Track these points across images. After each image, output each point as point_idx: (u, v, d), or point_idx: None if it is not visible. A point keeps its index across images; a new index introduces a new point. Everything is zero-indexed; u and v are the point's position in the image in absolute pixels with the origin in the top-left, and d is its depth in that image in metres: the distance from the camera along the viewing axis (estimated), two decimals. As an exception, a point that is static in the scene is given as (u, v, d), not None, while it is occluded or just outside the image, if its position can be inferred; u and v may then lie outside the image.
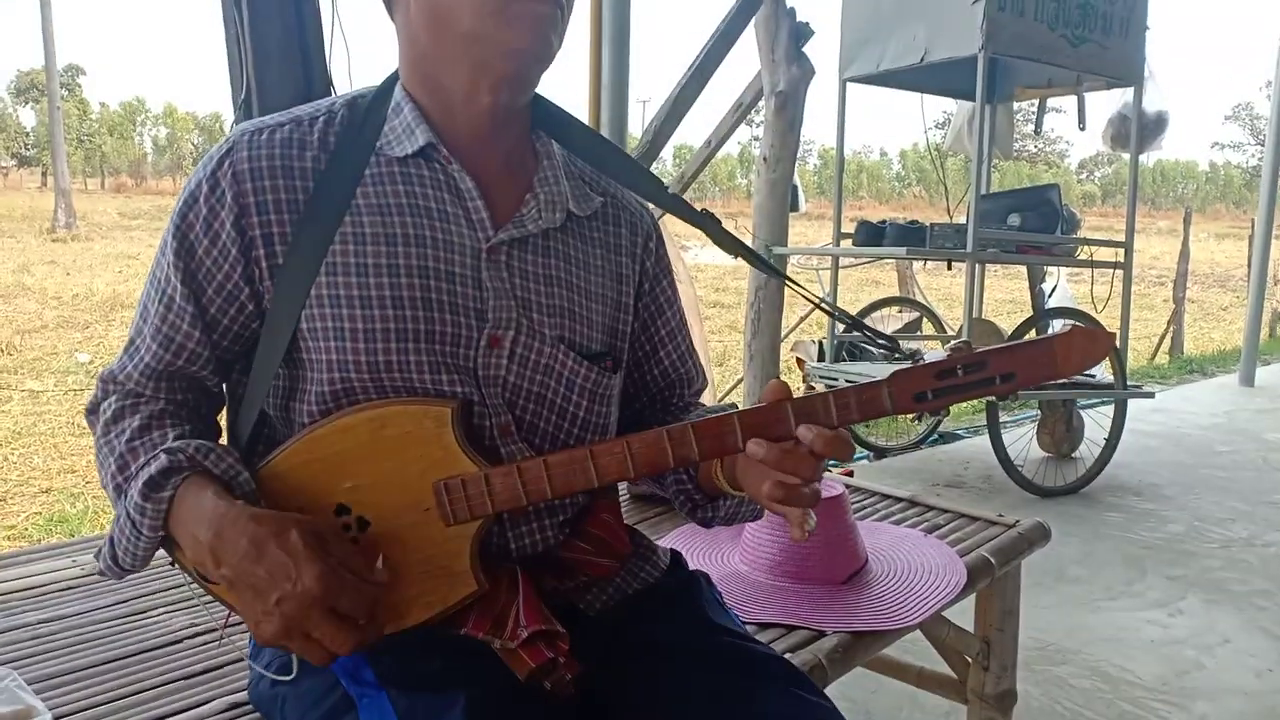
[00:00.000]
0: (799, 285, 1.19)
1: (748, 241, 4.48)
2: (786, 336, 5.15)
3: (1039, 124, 5.45)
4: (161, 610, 1.42)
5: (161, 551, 0.92)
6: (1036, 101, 5.15)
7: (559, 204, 1.03)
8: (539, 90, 1.06)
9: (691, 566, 1.20)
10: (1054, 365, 0.86)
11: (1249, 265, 9.21)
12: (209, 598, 0.95)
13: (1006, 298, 12.87)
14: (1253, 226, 8.77)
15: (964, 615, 1.79)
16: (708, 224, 1.10)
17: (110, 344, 8.46)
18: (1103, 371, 4.69)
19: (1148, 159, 5.60)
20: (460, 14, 0.93)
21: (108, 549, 0.94)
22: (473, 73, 0.96)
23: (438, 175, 0.99)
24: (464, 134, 1.00)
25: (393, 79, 1.03)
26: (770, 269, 1.22)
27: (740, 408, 0.92)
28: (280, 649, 0.88)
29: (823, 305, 1.18)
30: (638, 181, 1.12)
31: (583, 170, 1.11)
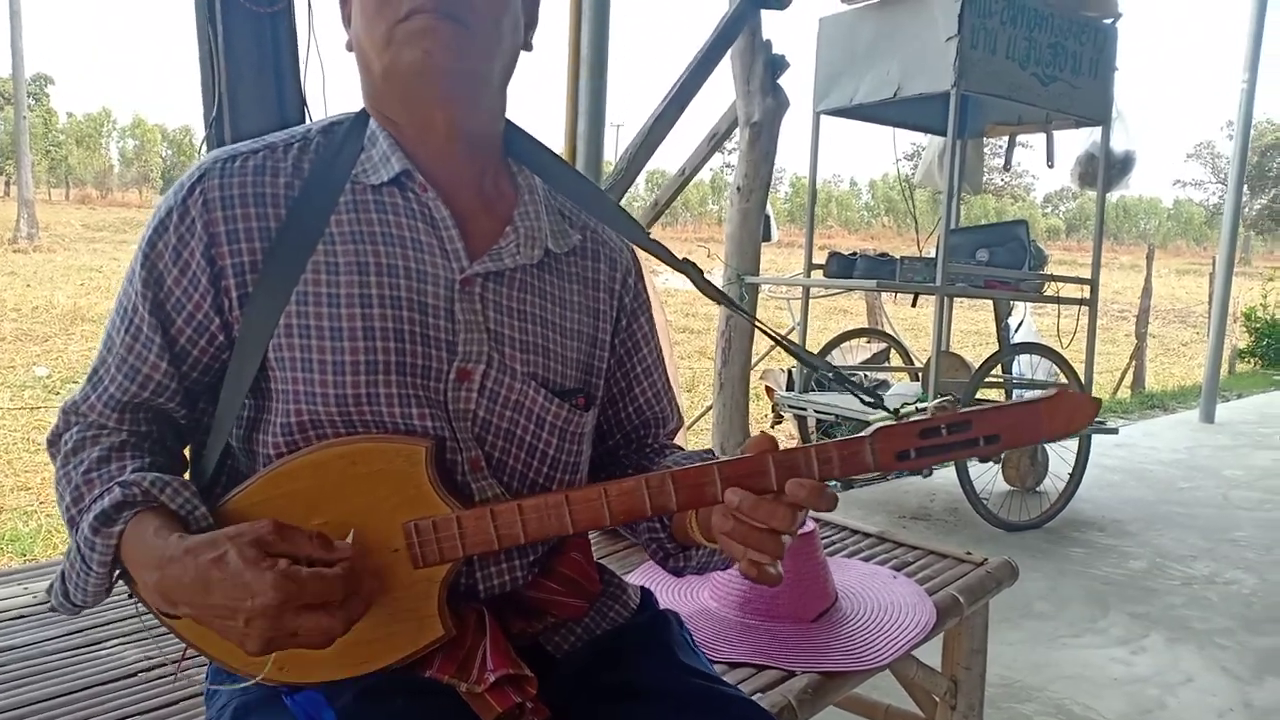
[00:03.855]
0: (770, 330, 1.18)
1: (719, 270, 4.49)
2: (756, 365, 5.16)
3: (1008, 160, 5.53)
4: (116, 642, 1.38)
5: (120, 582, 0.90)
6: (1006, 138, 5.22)
7: (538, 240, 1.02)
8: (512, 118, 1.05)
9: (661, 601, 1.18)
10: (1039, 429, 0.86)
11: (1209, 302, 9.39)
12: (165, 630, 0.92)
13: (972, 329, 13.01)
14: (1213, 264, 8.95)
15: (932, 653, 1.78)
16: (689, 270, 1.09)
17: (70, 358, 8.31)
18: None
19: (1113, 196, 5.71)
20: (370, 57, 0.95)
21: (59, 584, 0.91)
22: (408, 104, 0.97)
23: (412, 204, 0.98)
24: (436, 162, 0.99)
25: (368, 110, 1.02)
26: (746, 315, 1.21)
27: (717, 453, 0.91)
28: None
29: (791, 348, 1.18)
30: (618, 222, 1.11)
31: (562, 205, 1.09)
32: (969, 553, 1.88)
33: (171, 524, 0.85)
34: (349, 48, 1.00)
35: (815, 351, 5.11)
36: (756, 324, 1.17)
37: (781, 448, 0.88)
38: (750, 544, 0.86)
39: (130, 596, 0.92)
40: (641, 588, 1.17)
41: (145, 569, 0.83)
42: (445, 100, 0.96)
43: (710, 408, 4.89)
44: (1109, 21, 4.39)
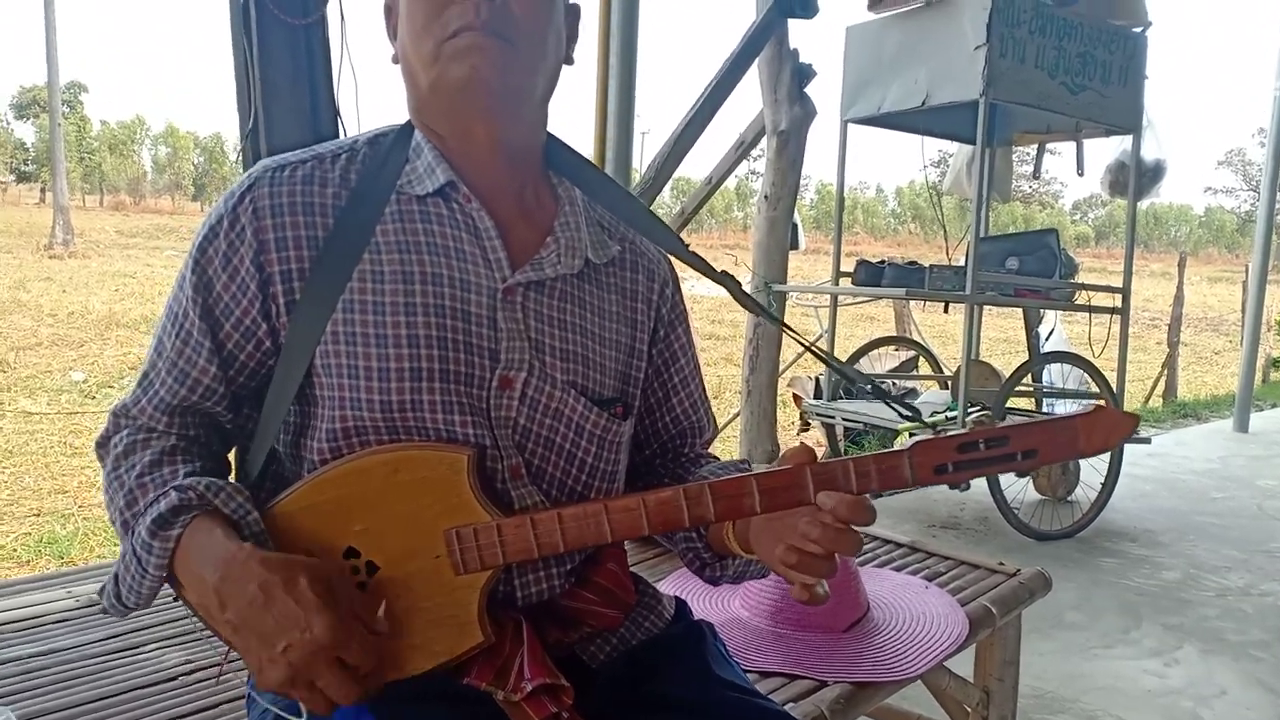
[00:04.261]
0: (806, 341, 1.19)
1: (746, 278, 4.49)
2: (784, 372, 5.15)
3: (1037, 168, 5.50)
4: (155, 646, 1.40)
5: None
6: (1035, 146, 5.19)
7: (578, 250, 1.03)
8: (553, 132, 1.07)
9: (692, 609, 1.19)
10: (1076, 445, 0.87)
11: (1242, 310, 9.27)
12: (205, 633, 0.94)
13: (1001, 336, 12.92)
14: (1246, 271, 8.84)
15: (964, 664, 1.78)
16: (727, 283, 1.11)
17: (105, 363, 8.43)
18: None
19: (1143, 203, 5.68)
20: (416, 71, 0.97)
21: (112, 586, 0.93)
22: (452, 117, 0.99)
23: (456, 214, 0.99)
24: (480, 174, 1.00)
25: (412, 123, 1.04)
26: (786, 328, 1.22)
27: (754, 466, 0.92)
28: (281, 696, 0.87)
29: (826, 359, 1.18)
30: (656, 234, 1.12)
31: (601, 216, 1.11)
32: (1001, 563, 1.87)
33: (232, 529, 0.87)
34: (395, 60, 1.02)
35: (844, 360, 5.10)
36: (793, 335, 1.18)
37: (819, 459, 0.88)
38: (805, 569, 0.87)
39: (175, 600, 0.93)
40: (676, 598, 1.18)
41: (206, 568, 0.84)
42: (489, 114, 0.97)
43: (737, 414, 4.88)
44: (1139, 30, 4.35)
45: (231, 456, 1.03)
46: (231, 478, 1.00)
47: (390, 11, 1.02)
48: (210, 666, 1.30)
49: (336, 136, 2.39)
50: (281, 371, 0.95)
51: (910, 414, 1.07)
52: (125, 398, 0.99)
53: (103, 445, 0.98)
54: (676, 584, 1.66)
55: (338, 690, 0.81)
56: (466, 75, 0.94)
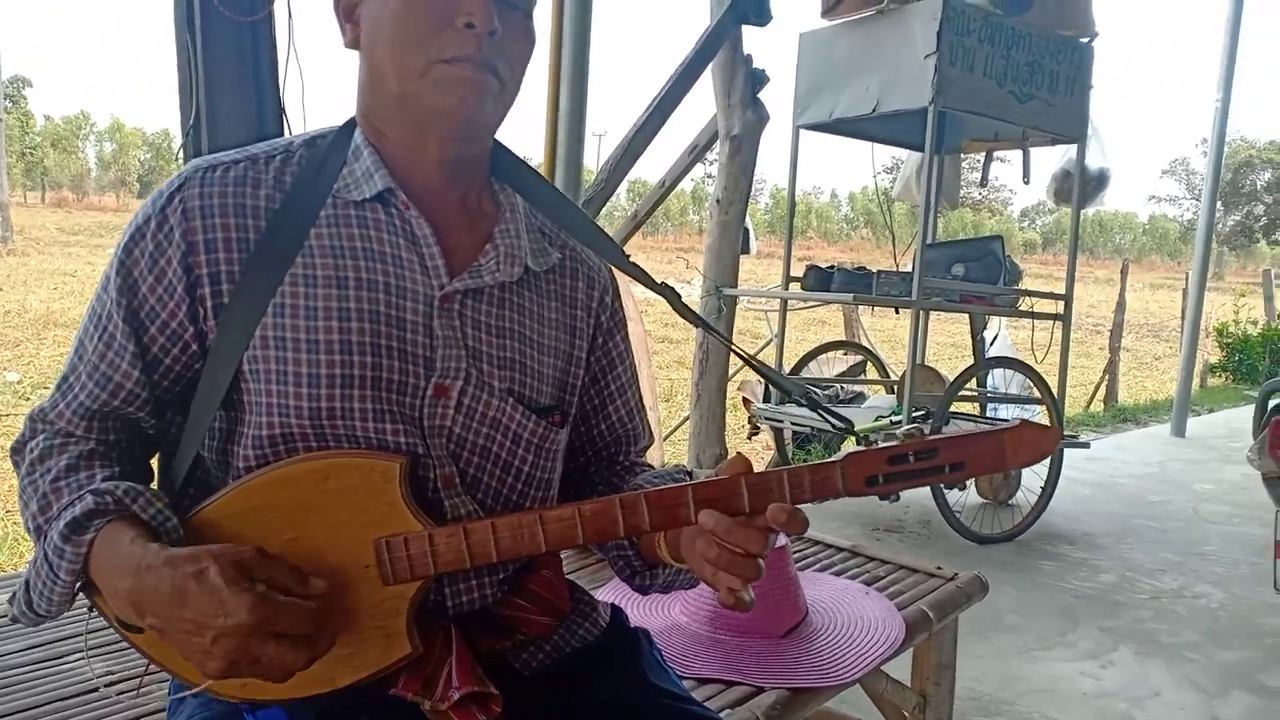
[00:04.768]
0: (743, 353, 1.19)
1: (698, 281, 4.51)
2: (733, 376, 5.17)
3: (985, 176, 5.58)
4: (78, 656, 1.36)
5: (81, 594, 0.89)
6: (984, 154, 5.27)
7: (518, 258, 1.03)
8: (499, 136, 1.06)
9: (632, 616, 1.18)
10: (1002, 458, 0.88)
11: (1182, 317, 9.50)
12: (126, 645, 0.91)
13: (949, 341, 13.09)
14: (1187, 279, 9.06)
15: (901, 668, 1.79)
16: (666, 294, 1.11)
17: (41, 363, 8.21)
18: (1040, 418, 4.77)
19: (1088, 211, 5.81)
20: (389, 76, 0.94)
21: (23, 593, 0.90)
22: (411, 130, 0.97)
23: (394, 220, 0.98)
24: (420, 180, 0.99)
25: (353, 121, 1.02)
26: (722, 339, 1.23)
27: (692, 464, 0.92)
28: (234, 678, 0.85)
29: (763, 371, 1.19)
30: (598, 243, 1.12)
31: (542, 223, 1.10)
32: (939, 568, 1.89)
33: (146, 534, 0.85)
34: (350, 46, 0.98)
35: (793, 364, 5.13)
36: (732, 347, 1.18)
37: (757, 469, 0.89)
38: (727, 569, 0.86)
39: (91, 610, 0.91)
40: (612, 605, 1.17)
41: (117, 577, 0.82)
42: (452, 139, 0.97)
43: (686, 418, 4.90)
44: (1085, 40, 4.44)
45: (154, 463, 1.01)
46: (154, 484, 0.98)
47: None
48: (132, 677, 1.27)
49: (281, 134, 2.35)
50: (208, 377, 0.93)
51: (842, 424, 1.08)
52: (44, 402, 0.96)
53: (18, 451, 0.95)
54: (615, 592, 1.65)
55: (282, 661, 0.80)
56: (453, 106, 0.93)
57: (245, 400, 0.93)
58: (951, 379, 4.36)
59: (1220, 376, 11.91)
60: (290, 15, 2.37)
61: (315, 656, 0.83)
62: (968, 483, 4.74)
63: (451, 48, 0.91)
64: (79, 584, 0.87)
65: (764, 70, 4.26)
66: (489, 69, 0.93)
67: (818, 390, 4.78)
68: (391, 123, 0.98)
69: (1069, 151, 4.88)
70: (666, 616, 1.59)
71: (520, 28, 0.96)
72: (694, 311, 1.14)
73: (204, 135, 2.31)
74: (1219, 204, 7.49)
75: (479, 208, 1.04)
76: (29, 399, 6.89)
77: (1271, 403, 4.52)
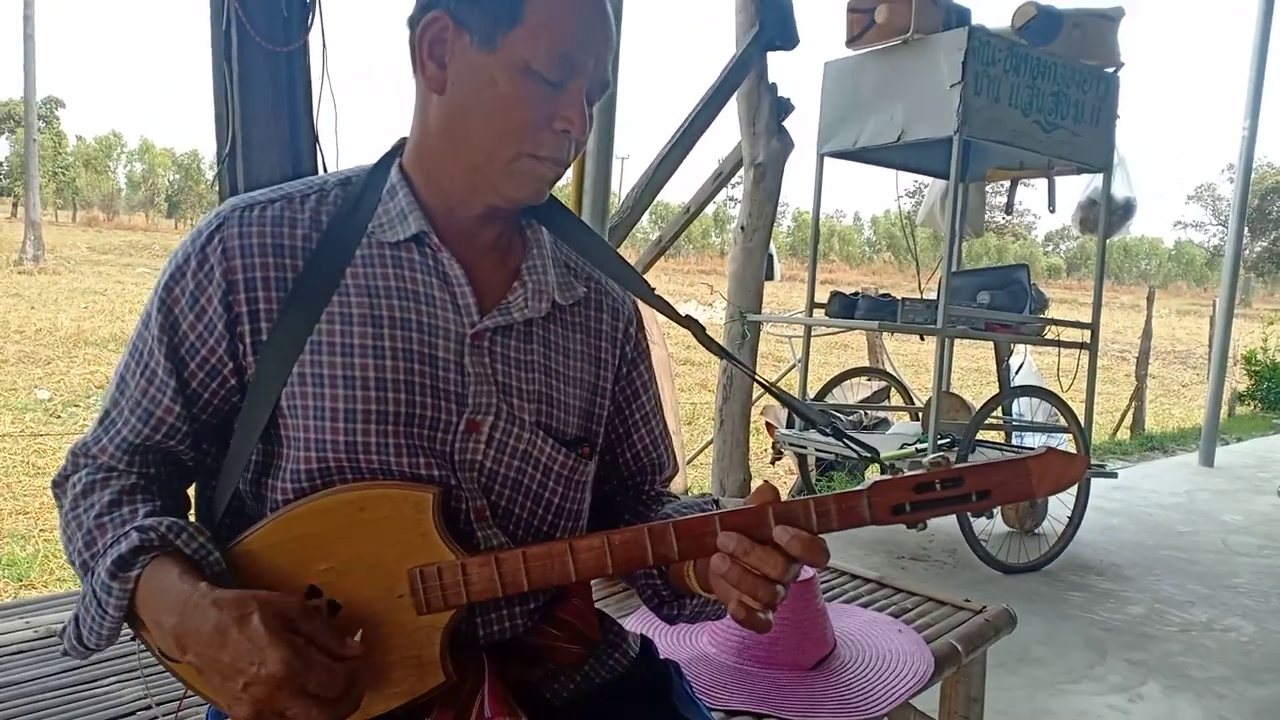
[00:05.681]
0: (767, 383, 1.20)
1: (721, 306, 4.51)
2: (757, 400, 5.17)
3: (1010, 204, 5.57)
4: (113, 680, 1.38)
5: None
6: (1008, 181, 5.27)
7: (545, 294, 1.04)
8: None
9: (660, 646, 1.19)
10: (1029, 486, 0.88)
11: (1210, 344, 9.40)
12: (163, 670, 0.92)
13: (973, 366, 13.03)
14: (1214, 306, 8.97)
15: (929, 701, 1.78)
16: (691, 326, 1.12)
17: (72, 381, 8.32)
18: (1067, 446, 4.74)
19: (1114, 238, 5.78)
20: (474, 150, 0.97)
21: (73, 628, 0.92)
22: (470, 191, 1.00)
23: (428, 260, 1.00)
24: (457, 225, 1.01)
25: (389, 157, 1.04)
26: (745, 369, 1.24)
27: (716, 490, 0.93)
28: None
29: (787, 400, 1.20)
30: (622, 276, 1.13)
31: (568, 256, 1.12)
32: (967, 600, 1.88)
33: (191, 570, 0.86)
34: (430, 89, 0.97)
35: (816, 390, 5.12)
36: (755, 378, 1.19)
37: (783, 497, 0.89)
38: (743, 588, 0.87)
39: (133, 638, 0.93)
40: (642, 636, 1.18)
41: (163, 612, 0.84)
42: (509, 211, 1.03)
43: (710, 443, 4.89)
44: (1111, 70, 4.44)
45: (190, 492, 1.03)
46: (191, 515, 1.00)
47: (436, 41, 0.95)
48: (169, 702, 1.28)
49: (315, 163, 2.39)
50: (247, 411, 0.95)
51: (867, 453, 1.09)
52: (85, 436, 0.98)
53: (60, 485, 0.97)
54: (643, 621, 1.66)
55: (307, 717, 0.81)
56: (526, 196, 0.99)
57: (282, 434, 0.95)
58: (976, 406, 4.34)
59: (1249, 405, 11.77)
60: (325, 46, 2.41)
61: (339, 718, 0.83)
62: (994, 511, 4.70)
63: (544, 148, 0.96)
64: (126, 617, 0.88)
65: (789, 99, 4.29)
66: (565, 165, 0.98)
67: (841, 416, 4.77)
68: (450, 177, 1.00)
69: (1094, 181, 4.87)
70: (694, 647, 1.59)
71: (590, 121, 1.00)
72: (717, 343, 1.16)
73: (239, 163, 2.35)
74: (1246, 230, 7.43)
75: (508, 244, 1.06)
76: (59, 416, 6.98)
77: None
